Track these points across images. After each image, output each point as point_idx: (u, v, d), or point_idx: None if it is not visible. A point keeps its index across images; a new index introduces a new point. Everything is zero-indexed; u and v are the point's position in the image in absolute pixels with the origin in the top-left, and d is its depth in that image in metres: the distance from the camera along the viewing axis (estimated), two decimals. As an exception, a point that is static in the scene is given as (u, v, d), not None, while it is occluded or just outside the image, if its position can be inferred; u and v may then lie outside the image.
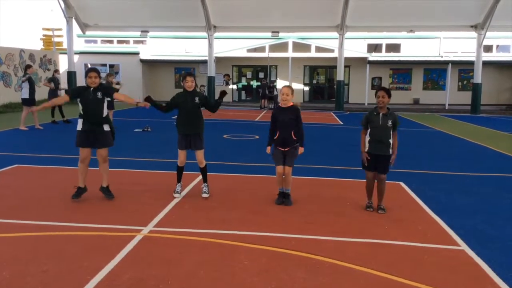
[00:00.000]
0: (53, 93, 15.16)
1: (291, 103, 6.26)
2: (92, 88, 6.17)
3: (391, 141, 5.99)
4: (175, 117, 6.63)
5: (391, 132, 5.98)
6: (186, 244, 4.80)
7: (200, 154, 6.53)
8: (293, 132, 6.22)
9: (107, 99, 6.35)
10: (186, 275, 4.05)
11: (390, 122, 5.95)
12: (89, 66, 28.94)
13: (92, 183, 6.51)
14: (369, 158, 6.06)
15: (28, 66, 14.58)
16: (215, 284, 3.90)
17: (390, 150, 6.00)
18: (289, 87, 6.29)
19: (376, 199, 6.16)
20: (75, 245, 4.70)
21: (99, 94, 6.20)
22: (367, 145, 6.08)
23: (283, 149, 6.25)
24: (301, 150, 6.32)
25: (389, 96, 5.95)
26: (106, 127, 6.30)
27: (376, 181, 6.14)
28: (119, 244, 4.70)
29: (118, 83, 15.14)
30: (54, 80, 15.54)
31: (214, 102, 6.69)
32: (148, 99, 6.50)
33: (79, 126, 6.23)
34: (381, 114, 5.97)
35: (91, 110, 6.18)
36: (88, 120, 6.19)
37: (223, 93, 6.52)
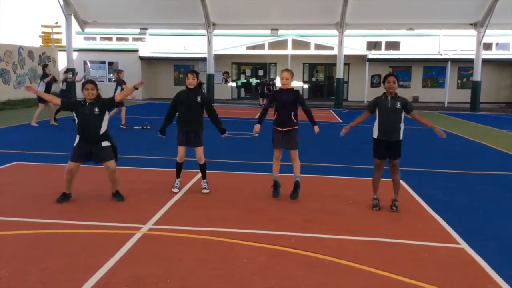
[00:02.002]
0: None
1: (291, 86, 6.27)
2: (88, 103, 5.92)
3: (401, 125, 5.89)
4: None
5: (401, 116, 5.88)
6: (185, 242, 4.80)
7: (199, 151, 6.55)
8: (292, 114, 6.24)
9: (108, 111, 6.06)
10: (185, 273, 4.04)
11: (398, 104, 5.85)
12: (89, 63, 28.99)
13: (91, 181, 6.49)
14: (346, 130, 6.16)
15: (45, 66, 14.56)
16: (214, 282, 3.90)
17: (401, 135, 5.92)
18: (289, 70, 6.32)
19: (380, 198, 6.14)
20: (74, 243, 4.69)
21: (96, 109, 5.89)
22: (376, 131, 5.99)
23: (281, 129, 6.25)
24: (316, 129, 6.35)
25: (398, 83, 5.93)
26: (105, 143, 6.00)
27: (390, 172, 6.07)
28: (118, 242, 4.69)
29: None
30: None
31: (215, 120, 6.66)
32: (162, 131, 6.61)
33: (76, 142, 6.00)
34: (389, 97, 5.91)
35: (87, 126, 5.89)
36: (83, 137, 5.92)
37: (223, 132, 6.66)
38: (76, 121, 6.00)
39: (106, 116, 6.04)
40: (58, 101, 6.30)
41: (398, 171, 6.07)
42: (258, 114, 6.49)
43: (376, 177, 6.19)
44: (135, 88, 6.38)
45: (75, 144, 6.03)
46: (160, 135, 6.64)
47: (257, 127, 6.45)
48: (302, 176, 6.47)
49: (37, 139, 11.67)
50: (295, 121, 6.28)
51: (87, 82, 6.00)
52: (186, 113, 6.49)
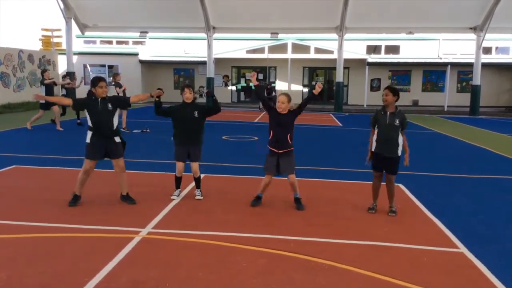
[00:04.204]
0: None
1: (288, 110, 6.17)
2: (100, 99, 5.98)
3: (400, 141, 5.88)
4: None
5: (399, 132, 5.87)
6: (184, 246, 4.79)
7: (195, 165, 6.57)
8: (288, 136, 6.11)
9: (119, 108, 6.16)
10: (185, 277, 4.04)
11: (397, 121, 5.83)
12: (89, 66, 29.01)
13: (90, 185, 6.48)
14: (372, 158, 6.05)
15: (44, 71, 14.59)
16: (214, 286, 3.89)
17: (399, 151, 5.91)
18: (287, 95, 6.18)
19: (381, 202, 6.15)
20: (73, 247, 4.68)
21: (110, 105, 5.99)
22: (374, 144, 6.01)
23: (277, 151, 6.10)
24: (317, 86, 6.20)
25: (395, 94, 5.83)
26: (117, 139, 6.14)
27: (385, 182, 6.07)
28: (117, 246, 4.69)
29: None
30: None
31: (211, 105, 6.61)
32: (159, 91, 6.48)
33: (88, 139, 6.04)
34: (388, 112, 5.88)
35: (101, 122, 5.97)
36: (98, 133, 5.99)
37: (208, 93, 6.77)
38: (88, 117, 6.03)
39: (117, 113, 6.15)
40: (68, 101, 6.27)
41: (393, 183, 6.07)
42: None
43: (375, 187, 6.19)
44: (151, 95, 6.37)
45: (87, 141, 6.06)
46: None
47: (254, 75, 6.54)
48: (302, 180, 6.48)
49: (36, 143, 11.66)
50: (290, 143, 6.14)
51: (99, 79, 6.01)
52: (184, 128, 6.45)
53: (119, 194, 6.35)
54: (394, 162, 5.94)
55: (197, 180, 6.70)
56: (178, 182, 6.68)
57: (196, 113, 6.44)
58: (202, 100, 25.69)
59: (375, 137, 6.00)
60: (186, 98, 6.45)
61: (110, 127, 6.04)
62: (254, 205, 6.29)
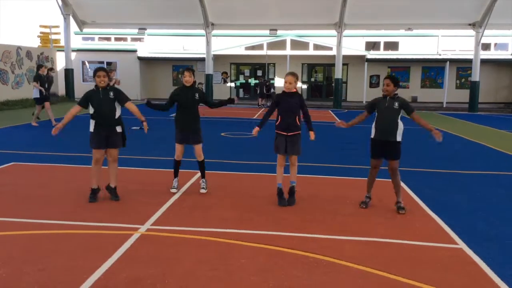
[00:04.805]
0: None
1: (295, 90, 6.19)
2: (101, 88, 6.00)
3: (399, 126, 5.84)
4: (174, 115, 6.64)
5: (398, 116, 5.83)
6: (183, 243, 4.78)
7: (198, 148, 6.57)
8: (297, 118, 6.13)
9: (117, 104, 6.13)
10: (184, 274, 4.03)
11: (396, 104, 5.80)
12: (87, 63, 28.97)
13: (89, 181, 6.46)
14: (343, 125, 6.24)
15: (39, 66, 14.48)
16: (213, 283, 3.88)
17: (399, 136, 5.88)
18: (294, 74, 6.16)
19: (379, 200, 6.14)
20: (71, 244, 4.67)
21: (111, 94, 6.02)
22: (373, 131, 5.99)
23: (286, 134, 6.10)
24: (312, 134, 6.19)
25: (395, 85, 5.83)
26: (119, 129, 6.14)
27: (390, 177, 6.06)
28: (116, 242, 4.68)
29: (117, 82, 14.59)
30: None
31: (218, 102, 6.83)
32: (148, 103, 6.67)
33: (92, 128, 6.06)
34: (388, 97, 5.87)
35: (104, 110, 5.99)
36: (100, 121, 6.01)
37: (231, 101, 6.85)
38: (90, 106, 6.03)
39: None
40: (76, 109, 6.14)
41: (397, 174, 6.00)
42: (262, 117, 6.36)
43: (371, 177, 6.20)
44: (144, 121, 6.26)
45: (91, 130, 6.07)
46: (146, 104, 6.71)
47: (256, 130, 6.24)
48: (300, 176, 6.47)
49: (35, 140, 11.64)
50: (298, 125, 6.16)
51: (98, 69, 6.04)
52: (185, 112, 6.49)
53: (106, 184, 6.32)
54: (394, 147, 5.88)
55: (202, 167, 6.67)
56: (176, 168, 6.67)
57: (197, 95, 6.48)
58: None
59: (374, 123, 5.99)
60: (185, 82, 6.46)
61: (112, 116, 6.06)
62: (284, 205, 6.12)
